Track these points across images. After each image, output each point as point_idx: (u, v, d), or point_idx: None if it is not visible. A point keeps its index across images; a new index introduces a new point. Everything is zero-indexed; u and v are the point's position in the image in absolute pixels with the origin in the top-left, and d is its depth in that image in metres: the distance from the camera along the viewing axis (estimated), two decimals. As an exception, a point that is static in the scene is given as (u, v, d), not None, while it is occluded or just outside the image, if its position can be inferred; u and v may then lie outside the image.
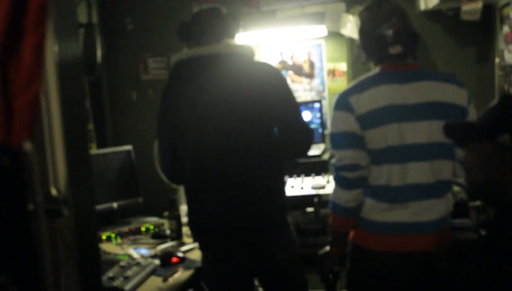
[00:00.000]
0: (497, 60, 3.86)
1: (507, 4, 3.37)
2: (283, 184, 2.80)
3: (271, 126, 2.71)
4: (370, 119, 2.51)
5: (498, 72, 3.83)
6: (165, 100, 2.77)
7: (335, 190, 2.64)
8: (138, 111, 4.44)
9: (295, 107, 2.75)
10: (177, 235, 3.63)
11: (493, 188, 1.82)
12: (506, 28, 3.44)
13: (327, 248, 2.80)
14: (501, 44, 3.67)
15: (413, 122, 2.51)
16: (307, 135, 2.77)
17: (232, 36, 2.82)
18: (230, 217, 2.67)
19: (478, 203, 3.43)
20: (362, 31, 2.65)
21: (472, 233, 3.34)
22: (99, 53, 2.40)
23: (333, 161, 2.64)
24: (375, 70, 2.64)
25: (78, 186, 1.91)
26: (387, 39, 2.55)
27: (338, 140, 2.59)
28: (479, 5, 2.75)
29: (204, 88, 2.66)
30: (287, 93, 2.73)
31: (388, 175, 2.53)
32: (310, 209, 3.54)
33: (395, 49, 2.56)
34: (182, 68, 2.73)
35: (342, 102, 2.57)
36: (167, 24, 4.29)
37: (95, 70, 2.31)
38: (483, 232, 3.33)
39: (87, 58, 2.54)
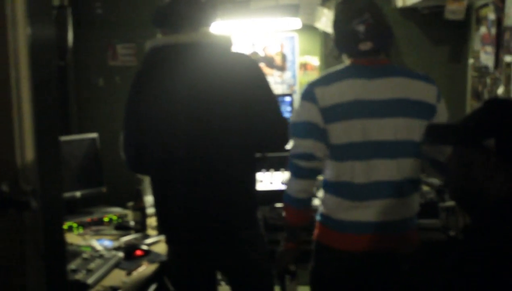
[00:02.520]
0: (471, 60, 3.85)
1: (485, 5, 3.35)
2: (255, 178, 2.74)
3: (246, 118, 2.64)
4: (334, 113, 2.48)
5: (472, 73, 3.83)
6: (136, 87, 2.67)
7: (288, 179, 2.64)
8: (105, 98, 4.32)
9: (272, 99, 2.70)
10: (141, 227, 3.54)
11: (473, 192, 1.78)
12: (483, 29, 3.43)
13: (282, 245, 2.77)
14: (476, 45, 3.66)
15: (379, 118, 2.48)
16: (283, 129, 2.72)
17: (209, 25, 2.73)
18: (199, 211, 2.61)
19: (448, 203, 3.42)
20: (335, 25, 2.62)
21: (441, 234, 3.34)
22: (70, 37, 2.29)
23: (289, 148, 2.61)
24: (346, 63, 2.61)
25: (47, 176, 1.81)
26: (359, 35, 2.52)
27: (298, 129, 2.56)
28: (463, 4, 2.73)
29: (178, 77, 2.58)
30: (264, 86, 2.67)
31: (352, 171, 2.50)
32: (279, 205, 3.49)
33: (366, 46, 2.52)
34: (156, 55, 2.64)
35: (308, 93, 2.55)
36: (137, 10, 4.19)
37: (66, 55, 2.21)
38: (451, 233, 3.32)
39: (58, 42, 2.43)
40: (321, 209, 2.66)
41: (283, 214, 2.73)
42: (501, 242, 1.64)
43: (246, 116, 2.63)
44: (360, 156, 2.49)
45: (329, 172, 2.56)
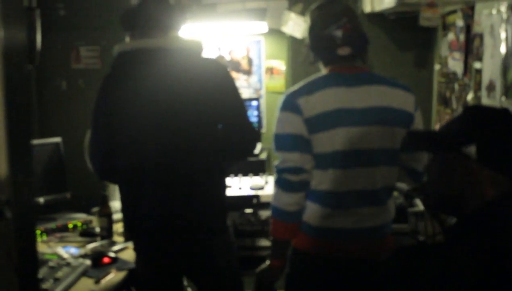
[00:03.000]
0: (437, 66, 3.89)
1: (453, 12, 3.38)
2: (224, 185, 2.72)
3: (215, 125, 2.62)
4: (318, 123, 2.45)
5: (439, 79, 3.86)
6: (104, 92, 2.62)
7: (276, 193, 2.54)
8: (68, 101, 4.23)
9: (241, 106, 2.68)
10: (107, 233, 3.46)
11: (455, 199, 1.78)
12: (451, 36, 3.46)
13: (267, 262, 2.65)
14: (443, 51, 3.69)
15: (361, 127, 2.46)
16: (252, 135, 2.70)
17: (178, 28, 2.69)
18: (168, 218, 2.58)
19: (417, 208, 3.44)
20: (311, 30, 2.58)
21: (410, 238, 3.35)
22: (39, 39, 2.22)
23: (275, 162, 2.55)
24: (323, 71, 2.58)
25: (20, 185, 1.75)
26: (336, 40, 2.50)
27: (283, 142, 2.50)
28: (438, 11, 2.75)
29: (147, 83, 2.53)
30: (233, 92, 2.65)
31: (333, 180, 2.47)
32: (248, 210, 3.47)
33: (344, 51, 2.50)
34: (125, 60, 2.59)
35: (290, 103, 2.48)
36: (102, 12, 4.11)
37: (35, 58, 2.14)
38: (420, 238, 3.34)
39: (28, 44, 2.36)
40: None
41: (270, 229, 2.63)
42: (483, 247, 1.65)
43: (215, 123, 2.61)
44: (343, 164, 2.47)
45: (311, 180, 2.52)
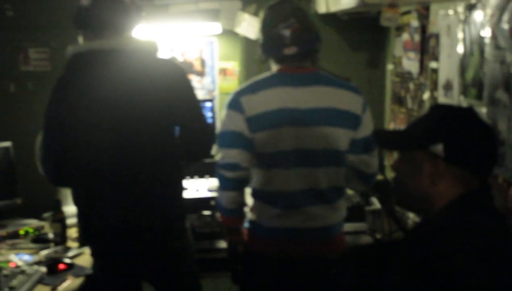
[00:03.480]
0: (390, 66, 3.93)
1: (407, 12, 3.42)
2: (181, 187, 2.70)
3: (171, 126, 2.60)
4: (260, 122, 2.48)
5: (393, 78, 3.90)
6: (57, 94, 2.55)
7: (217, 190, 2.66)
8: (17, 105, 4.10)
9: (197, 107, 2.67)
10: (61, 239, 3.38)
11: (423, 197, 1.80)
12: (405, 36, 3.50)
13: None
14: (397, 51, 3.73)
15: (305, 127, 2.49)
16: (208, 136, 2.69)
17: (132, 29, 2.64)
18: (125, 221, 2.54)
19: (373, 207, 3.47)
20: (262, 29, 2.62)
21: (368, 237, 3.38)
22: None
23: (217, 159, 2.61)
24: (272, 71, 2.59)
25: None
26: (284, 40, 2.52)
27: (224, 139, 2.57)
28: (398, 12, 2.78)
29: (102, 85, 2.48)
30: (189, 93, 2.63)
31: (280, 180, 2.51)
32: (206, 212, 3.44)
33: (291, 50, 2.53)
34: (79, 62, 2.53)
35: (234, 102, 2.54)
36: (51, 13, 4.00)
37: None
38: (378, 236, 3.37)
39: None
40: (249, 216, 2.66)
41: (220, 217, 2.76)
42: (450, 244, 1.66)
43: (171, 124, 2.58)
44: (287, 164, 2.50)
45: (257, 179, 2.56)
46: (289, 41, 2.51)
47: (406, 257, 1.79)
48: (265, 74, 2.58)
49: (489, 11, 2.37)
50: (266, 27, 2.59)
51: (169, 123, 2.57)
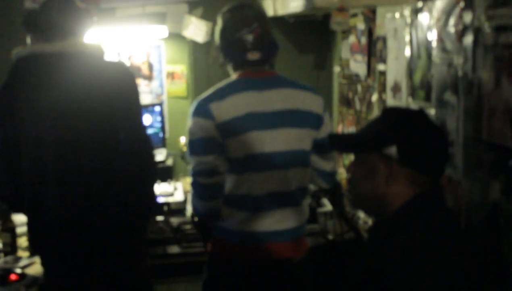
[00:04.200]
0: (337, 68, 3.98)
1: (354, 15, 3.47)
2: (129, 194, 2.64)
3: (116, 132, 2.51)
4: (231, 128, 2.46)
5: (341, 81, 3.96)
6: (2, 103, 2.51)
7: (193, 198, 2.59)
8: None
9: (140, 113, 2.61)
10: (11, 249, 3.32)
11: (378, 198, 1.83)
12: (352, 38, 3.55)
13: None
14: (344, 53, 3.79)
15: (272, 130, 2.49)
16: (148, 145, 2.64)
17: (83, 34, 2.60)
18: (75, 233, 2.50)
19: (325, 209, 3.51)
20: (222, 33, 2.59)
21: (321, 238, 3.42)
22: None
23: (189, 167, 2.56)
24: (233, 76, 2.60)
25: None
26: (247, 45, 2.52)
27: (196, 147, 2.51)
28: (348, 15, 2.82)
29: (45, 90, 2.43)
30: (135, 98, 2.57)
31: (249, 184, 2.50)
32: (159, 218, 3.42)
33: (254, 55, 2.53)
34: (22, 67, 2.48)
35: (201, 109, 2.49)
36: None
37: None
38: (330, 237, 3.41)
39: None
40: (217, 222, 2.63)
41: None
42: (404, 245, 1.70)
43: (117, 129, 2.53)
44: (257, 168, 2.49)
45: (227, 185, 2.53)
46: (252, 46, 2.51)
47: (363, 260, 1.82)
48: (228, 80, 2.57)
49: (435, 14, 2.43)
50: (226, 32, 2.56)
51: (114, 129, 2.50)
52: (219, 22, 2.62)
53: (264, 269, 2.55)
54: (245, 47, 2.51)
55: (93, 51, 2.53)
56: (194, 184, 2.56)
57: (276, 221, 2.53)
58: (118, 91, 2.49)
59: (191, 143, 2.52)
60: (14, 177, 2.54)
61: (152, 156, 2.64)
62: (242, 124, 2.46)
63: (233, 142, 2.47)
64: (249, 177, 2.49)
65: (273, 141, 2.49)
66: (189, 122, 2.54)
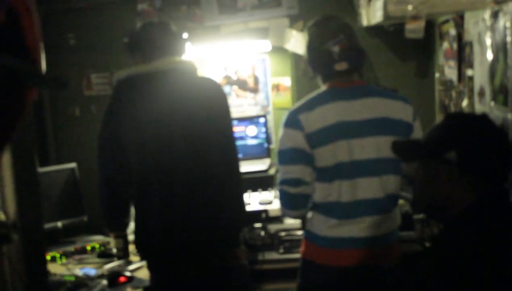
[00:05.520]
0: (437, 75, 3.95)
1: (447, 21, 3.46)
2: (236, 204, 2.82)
3: (212, 143, 2.70)
4: (319, 137, 2.53)
5: (438, 87, 3.92)
6: (106, 122, 2.74)
7: (280, 206, 2.71)
8: (82, 127, 4.36)
9: (230, 124, 2.79)
10: (123, 254, 3.56)
11: (439, 203, 1.85)
12: (446, 44, 3.53)
13: None
14: (441, 59, 3.76)
15: (362, 138, 2.55)
16: (236, 156, 2.80)
17: (180, 54, 2.79)
18: (176, 238, 2.66)
19: (422, 215, 3.49)
20: (309, 46, 2.67)
21: (417, 245, 3.40)
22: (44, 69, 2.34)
23: (278, 176, 2.66)
24: (323, 87, 2.67)
25: (26, 210, 1.87)
26: (334, 56, 2.58)
27: (285, 156, 2.61)
28: (422, 23, 2.82)
29: (145, 107, 2.64)
30: (225, 110, 2.75)
31: (339, 191, 2.55)
32: (258, 225, 3.54)
33: (341, 66, 2.59)
34: (122, 88, 2.70)
35: (292, 120, 2.59)
36: (110, 40, 4.23)
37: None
38: (427, 244, 3.39)
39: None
40: (308, 227, 2.71)
41: None
42: (466, 249, 1.72)
43: (212, 139, 2.70)
44: (347, 176, 2.55)
45: (316, 193, 2.60)
46: (338, 57, 2.58)
47: (435, 263, 1.84)
48: (318, 91, 2.66)
49: (509, 17, 2.40)
50: (313, 45, 2.65)
51: (210, 140, 2.69)
52: (306, 36, 2.70)
53: (354, 275, 2.59)
54: (332, 58, 2.59)
55: (185, 67, 2.70)
56: (281, 192, 2.66)
57: (364, 228, 2.58)
58: (209, 105, 2.66)
59: (281, 153, 2.63)
60: (123, 169, 2.72)
61: (238, 166, 2.78)
62: (331, 134, 2.53)
63: (322, 151, 2.54)
64: (339, 185, 2.55)
65: (362, 149, 2.54)
66: (280, 132, 2.65)
